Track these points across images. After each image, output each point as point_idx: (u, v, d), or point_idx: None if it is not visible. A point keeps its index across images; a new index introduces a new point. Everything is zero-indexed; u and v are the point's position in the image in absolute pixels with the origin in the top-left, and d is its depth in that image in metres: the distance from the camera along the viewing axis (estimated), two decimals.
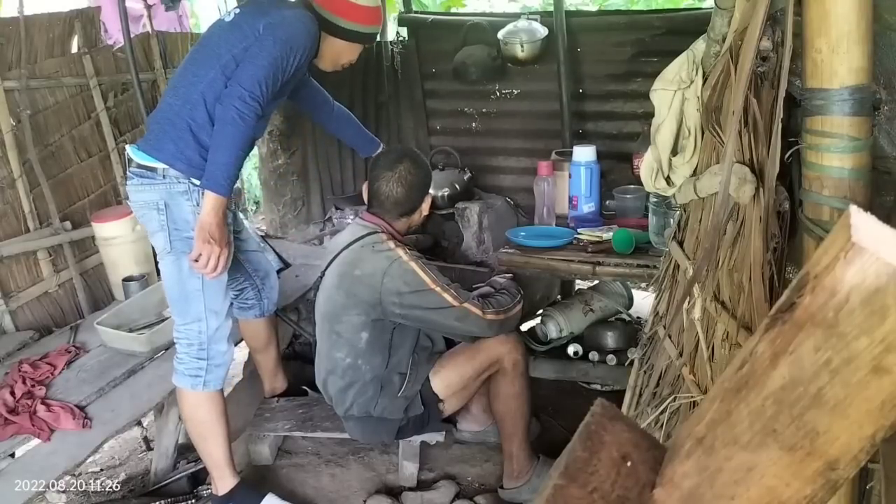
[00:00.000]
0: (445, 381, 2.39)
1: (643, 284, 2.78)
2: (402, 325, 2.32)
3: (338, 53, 2.29)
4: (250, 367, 2.93)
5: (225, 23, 2.16)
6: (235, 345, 2.45)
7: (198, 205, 2.06)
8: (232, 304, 2.37)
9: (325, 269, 2.41)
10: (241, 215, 2.60)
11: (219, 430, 2.26)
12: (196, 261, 2.05)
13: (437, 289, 2.24)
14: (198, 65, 2.11)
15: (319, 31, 2.15)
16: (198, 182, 2.05)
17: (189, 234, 2.08)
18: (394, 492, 2.51)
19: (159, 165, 2.07)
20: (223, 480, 2.31)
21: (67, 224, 3.24)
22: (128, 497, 2.57)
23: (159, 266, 2.21)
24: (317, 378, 2.49)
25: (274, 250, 3.14)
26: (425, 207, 2.46)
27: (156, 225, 2.11)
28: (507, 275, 2.62)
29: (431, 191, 3.33)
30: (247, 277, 2.55)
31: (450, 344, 2.52)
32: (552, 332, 2.97)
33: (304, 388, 2.81)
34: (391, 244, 2.28)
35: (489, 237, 3.22)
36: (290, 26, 2.05)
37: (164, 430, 2.56)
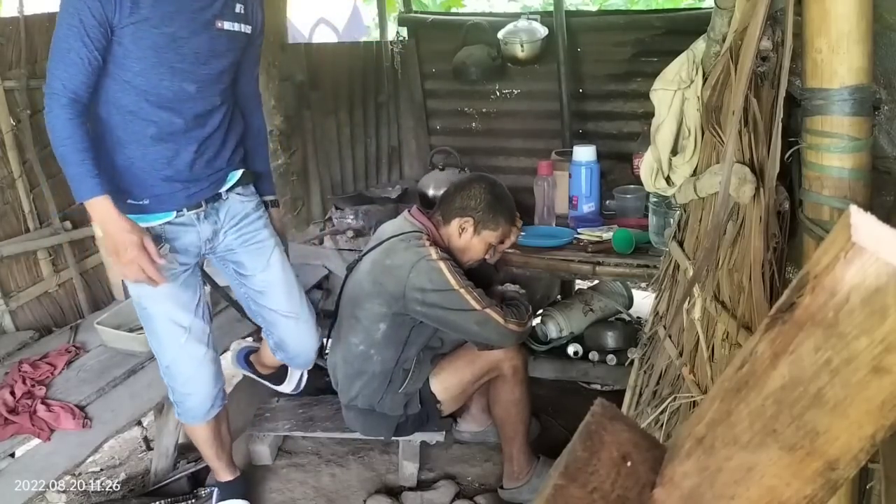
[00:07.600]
0: (444, 383, 2.40)
1: (643, 284, 2.78)
2: (421, 323, 2.31)
3: None
4: None
5: None
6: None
7: None
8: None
9: (365, 254, 2.40)
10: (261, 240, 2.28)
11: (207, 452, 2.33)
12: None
13: (462, 290, 2.21)
14: None
15: None
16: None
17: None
18: (394, 492, 2.51)
19: None
20: (218, 473, 2.39)
21: (67, 224, 3.23)
22: (128, 497, 2.57)
23: None
24: (329, 359, 2.50)
25: None
26: (473, 236, 2.36)
27: None
28: (514, 286, 2.56)
29: (431, 191, 3.34)
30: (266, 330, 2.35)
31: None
32: (552, 332, 2.97)
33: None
34: (426, 242, 2.28)
35: None
36: None
37: (164, 430, 2.56)
